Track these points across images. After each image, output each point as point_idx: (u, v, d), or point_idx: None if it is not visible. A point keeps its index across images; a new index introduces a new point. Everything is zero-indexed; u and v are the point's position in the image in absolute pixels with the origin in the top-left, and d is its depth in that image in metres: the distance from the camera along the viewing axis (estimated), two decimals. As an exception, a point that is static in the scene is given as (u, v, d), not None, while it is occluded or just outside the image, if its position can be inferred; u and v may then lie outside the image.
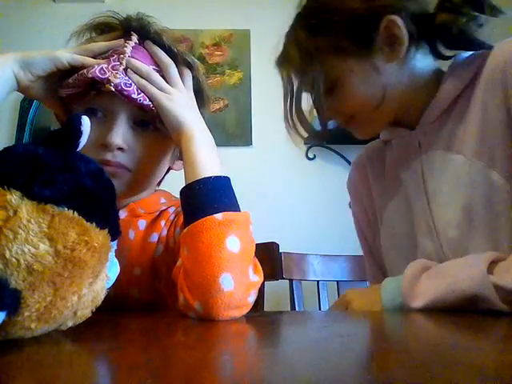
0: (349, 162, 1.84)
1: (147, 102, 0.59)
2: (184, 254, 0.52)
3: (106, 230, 0.34)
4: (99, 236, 0.32)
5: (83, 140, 0.33)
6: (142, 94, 0.59)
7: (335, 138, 1.80)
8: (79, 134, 0.32)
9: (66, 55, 0.59)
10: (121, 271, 0.63)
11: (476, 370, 0.25)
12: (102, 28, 0.65)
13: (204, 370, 0.25)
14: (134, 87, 0.58)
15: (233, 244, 0.50)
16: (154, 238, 0.66)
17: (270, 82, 1.89)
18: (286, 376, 0.24)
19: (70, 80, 0.59)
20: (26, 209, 0.29)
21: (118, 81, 0.57)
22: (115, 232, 0.35)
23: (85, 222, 0.31)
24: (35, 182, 0.30)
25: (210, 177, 0.54)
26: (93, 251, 0.31)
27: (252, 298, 0.51)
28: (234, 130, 1.87)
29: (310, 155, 1.87)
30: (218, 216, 0.50)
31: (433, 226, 0.66)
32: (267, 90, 1.94)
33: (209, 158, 0.57)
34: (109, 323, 0.46)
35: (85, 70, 0.57)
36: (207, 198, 0.53)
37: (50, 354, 0.31)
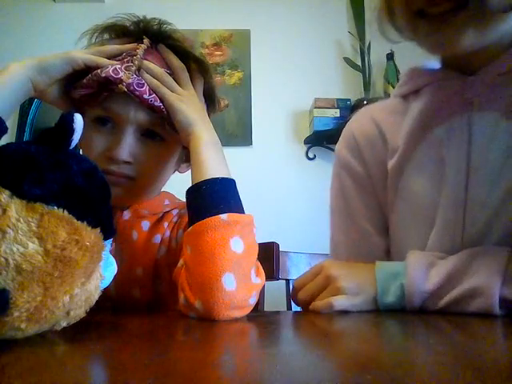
0: (349, 162, 1.84)
1: (158, 103, 0.60)
2: (187, 252, 0.52)
3: (98, 229, 0.33)
4: (91, 235, 0.32)
5: (76, 138, 0.33)
6: (154, 95, 0.59)
7: (335, 138, 1.80)
8: (72, 132, 0.32)
9: (82, 56, 0.59)
10: (123, 271, 0.63)
11: (476, 369, 0.24)
12: (117, 30, 0.66)
13: (204, 370, 0.25)
14: (146, 88, 0.59)
15: (237, 245, 0.50)
16: (157, 239, 0.66)
17: (270, 82, 1.92)
18: (286, 376, 0.23)
19: (84, 80, 0.59)
20: (15, 208, 0.29)
21: (130, 81, 0.58)
22: (109, 231, 0.35)
23: (75, 220, 0.31)
24: (25, 180, 0.30)
25: (217, 178, 0.55)
26: (84, 250, 0.31)
27: (253, 300, 0.51)
28: (233, 130, 1.87)
29: (310, 155, 1.86)
30: (224, 216, 0.51)
31: (463, 197, 0.56)
32: (267, 90, 1.95)
33: (216, 160, 0.58)
34: (107, 324, 0.45)
35: (98, 70, 0.58)
36: (213, 198, 0.53)
37: (44, 355, 0.30)
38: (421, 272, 0.52)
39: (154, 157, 0.64)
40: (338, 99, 1.81)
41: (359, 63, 1.86)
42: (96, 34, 0.65)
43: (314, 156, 1.87)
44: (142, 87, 0.59)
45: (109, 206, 0.36)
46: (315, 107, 1.79)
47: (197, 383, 0.22)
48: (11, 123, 1.84)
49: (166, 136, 0.64)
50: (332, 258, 0.71)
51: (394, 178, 0.64)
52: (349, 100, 1.81)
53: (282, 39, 1.96)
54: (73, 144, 0.33)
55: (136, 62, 0.59)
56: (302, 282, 0.58)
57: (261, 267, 0.54)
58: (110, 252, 0.40)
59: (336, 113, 1.79)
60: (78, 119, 0.32)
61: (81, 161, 0.34)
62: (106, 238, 0.35)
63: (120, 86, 0.57)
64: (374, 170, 0.68)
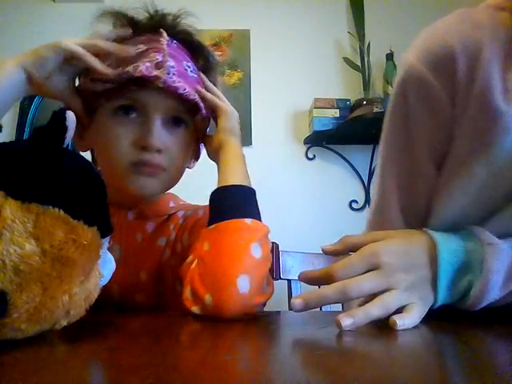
0: (348, 162, 1.84)
1: (193, 96, 0.62)
2: (204, 248, 0.52)
3: (95, 227, 0.33)
4: (88, 233, 0.32)
5: (69, 136, 0.33)
6: (188, 90, 0.61)
7: (335, 138, 1.80)
8: (64, 130, 0.32)
9: (73, 47, 0.57)
10: (127, 275, 0.63)
11: (476, 369, 0.24)
12: (132, 19, 0.65)
13: (204, 369, 0.25)
14: (179, 83, 0.60)
15: (256, 250, 0.51)
16: (162, 241, 0.66)
17: (270, 81, 1.92)
18: (286, 376, 0.24)
19: (112, 76, 0.58)
20: (10, 208, 0.29)
21: (165, 77, 0.59)
22: (106, 228, 0.35)
23: (71, 219, 0.31)
24: (19, 180, 0.30)
25: (245, 186, 0.58)
26: (82, 249, 0.31)
27: (261, 308, 0.52)
28: (233, 130, 1.87)
29: (310, 155, 1.86)
30: (248, 221, 0.53)
31: None
32: (267, 90, 1.95)
33: (245, 172, 0.61)
34: (108, 324, 0.45)
35: (131, 68, 0.58)
36: (240, 202, 0.56)
37: (44, 355, 0.30)
38: (501, 276, 0.43)
39: (179, 144, 0.64)
40: (337, 99, 1.81)
41: (359, 63, 1.86)
42: (112, 18, 0.65)
43: (314, 156, 1.87)
44: (174, 82, 0.59)
45: (105, 203, 0.36)
46: (315, 107, 1.78)
47: (197, 383, 0.22)
48: (11, 123, 1.84)
49: (189, 122, 0.66)
50: (377, 198, 0.57)
51: (489, 135, 0.46)
52: (348, 100, 1.80)
53: (281, 39, 1.95)
54: (66, 142, 0.32)
55: (166, 58, 0.60)
56: (345, 271, 0.43)
57: (271, 278, 0.55)
58: (109, 250, 0.40)
59: (336, 113, 1.78)
60: (70, 116, 0.32)
61: (74, 158, 0.34)
62: (103, 236, 0.35)
63: (156, 82, 0.58)
64: (464, 107, 0.48)
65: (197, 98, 0.62)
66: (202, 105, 0.63)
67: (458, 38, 0.48)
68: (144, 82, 0.59)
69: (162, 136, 0.61)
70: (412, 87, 0.51)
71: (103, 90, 0.60)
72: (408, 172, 0.54)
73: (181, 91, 0.60)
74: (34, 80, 0.57)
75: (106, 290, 0.65)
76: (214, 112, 0.67)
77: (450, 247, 0.44)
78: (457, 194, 0.50)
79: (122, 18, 0.65)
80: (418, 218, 0.53)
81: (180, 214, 0.70)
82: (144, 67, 0.58)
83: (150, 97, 0.60)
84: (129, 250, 0.65)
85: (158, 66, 0.59)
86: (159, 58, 0.59)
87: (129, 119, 0.61)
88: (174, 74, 0.60)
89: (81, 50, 0.57)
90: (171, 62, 0.60)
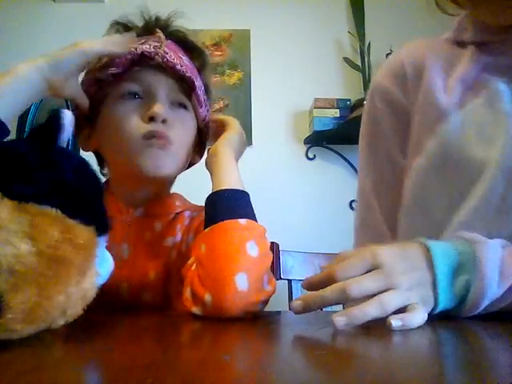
0: (349, 162, 1.84)
1: (188, 73, 0.67)
2: (201, 251, 0.53)
3: (92, 226, 0.33)
4: (84, 233, 0.32)
5: (66, 135, 0.32)
6: (185, 67, 0.66)
7: (335, 138, 1.80)
8: (60, 128, 0.32)
9: (95, 47, 0.61)
10: (135, 274, 0.64)
11: (477, 370, 0.24)
12: (126, 26, 0.70)
13: (204, 370, 0.25)
14: (176, 61, 0.66)
15: (252, 249, 0.52)
16: (169, 242, 0.67)
17: (270, 81, 1.92)
18: (286, 376, 0.23)
19: (117, 59, 0.64)
20: (6, 209, 0.29)
21: (163, 54, 0.64)
22: (103, 227, 0.35)
23: (68, 219, 0.31)
24: (15, 180, 0.30)
25: (239, 189, 0.59)
26: (78, 249, 0.31)
27: (261, 306, 0.51)
28: (233, 130, 1.87)
29: (310, 155, 1.86)
30: (242, 221, 0.54)
31: None
32: (267, 90, 1.95)
33: (239, 179, 0.62)
34: (107, 323, 0.45)
35: (132, 49, 0.64)
36: (234, 204, 0.57)
37: (42, 355, 0.30)
38: (495, 272, 0.43)
39: (183, 123, 0.68)
40: (337, 99, 1.81)
41: (359, 63, 1.86)
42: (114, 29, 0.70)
43: (314, 156, 1.87)
44: (173, 60, 0.65)
45: (101, 202, 0.36)
46: (315, 107, 1.78)
47: (197, 383, 0.22)
48: (11, 124, 1.84)
49: (189, 108, 0.69)
50: (358, 205, 0.69)
51: (435, 119, 0.58)
52: (349, 100, 1.80)
53: (281, 39, 1.95)
54: (62, 141, 0.32)
55: (163, 45, 0.65)
56: (345, 272, 0.43)
57: (273, 277, 0.55)
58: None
59: (336, 113, 1.79)
60: (68, 115, 0.32)
61: (70, 157, 0.34)
62: (100, 234, 0.35)
63: (157, 57, 0.64)
64: (415, 102, 0.62)
65: (192, 75, 0.67)
66: (197, 84, 0.68)
67: (407, 55, 0.66)
68: (145, 61, 0.64)
69: (166, 109, 0.64)
70: (378, 97, 0.67)
71: (108, 77, 0.65)
72: (383, 171, 0.65)
73: (178, 67, 0.65)
74: (52, 84, 0.59)
75: (116, 288, 0.65)
76: (221, 127, 0.72)
77: (442, 251, 0.45)
78: (412, 170, 0.60)
79: (117, 26, 0.70)
80: (394, 212, 0.62)
81: (186, 214, 0.70)
82: (144, 47, 0.64)
83: (152, 75, 0.65)
84: (137, 248, 0.65)
85: (156, 48, 0.65)
86: (157, 44, 0.65)
87: (135, 101, 0.65)
88: (171, 56, 0.65)
89: (105, 50, 0.62)
90: (167, 49, 0.65)
